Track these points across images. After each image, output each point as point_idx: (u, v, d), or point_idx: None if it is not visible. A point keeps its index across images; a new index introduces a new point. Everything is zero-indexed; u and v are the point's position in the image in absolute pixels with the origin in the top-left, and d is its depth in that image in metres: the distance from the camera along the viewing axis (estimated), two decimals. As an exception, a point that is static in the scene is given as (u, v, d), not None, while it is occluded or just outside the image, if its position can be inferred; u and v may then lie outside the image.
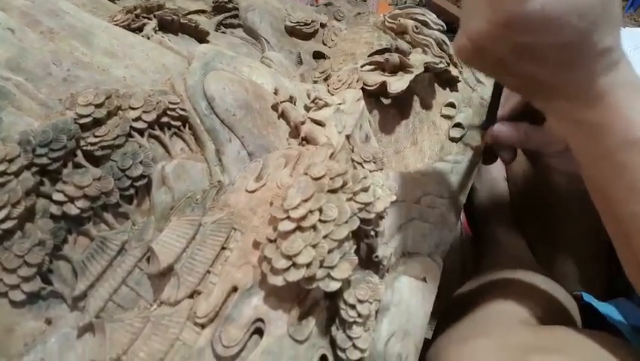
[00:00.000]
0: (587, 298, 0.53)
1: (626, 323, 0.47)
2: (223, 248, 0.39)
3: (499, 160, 0.86)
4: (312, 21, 0.73)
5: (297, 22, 0.70)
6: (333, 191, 0.39)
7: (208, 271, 0.38)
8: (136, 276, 0.37)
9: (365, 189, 0.40)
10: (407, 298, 0.44)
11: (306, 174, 0.40)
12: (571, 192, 0.67)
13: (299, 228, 0.36)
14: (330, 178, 0.40)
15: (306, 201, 0.37)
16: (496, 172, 0.86)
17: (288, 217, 0.36)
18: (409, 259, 0.48)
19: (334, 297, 0.37)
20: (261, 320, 0.35)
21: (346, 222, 0.37)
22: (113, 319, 0.34)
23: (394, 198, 0.43)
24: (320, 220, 0.37)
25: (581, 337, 0.43)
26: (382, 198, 0.41)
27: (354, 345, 0.36)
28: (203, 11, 0.70)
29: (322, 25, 0.76)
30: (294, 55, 0.68)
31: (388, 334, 0.41)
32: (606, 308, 0.50)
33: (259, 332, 0.35)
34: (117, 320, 0.34)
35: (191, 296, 0.36)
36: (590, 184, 0.41)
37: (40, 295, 0.35)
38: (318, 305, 0.37)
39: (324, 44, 0.73)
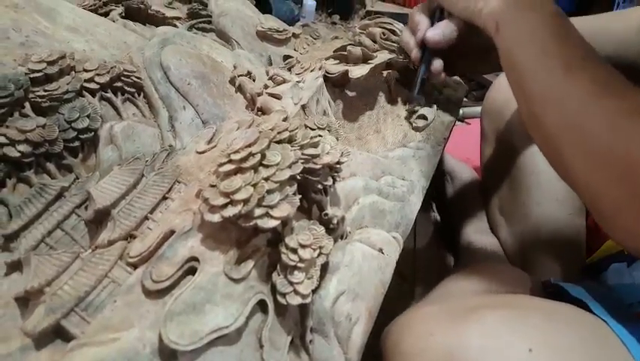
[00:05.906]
0: (555, 280, 0.51)
1: (597, 303, 0.45)
2: (165, 198, 0.38)
3: (470, 168, 0.85)
4: (285, 30, 0.75)
5: (269, 28, 0.72)
6: (278, 142, 0.39)
7: (147, 218, 0.37)
8: (72, 221, 0.36)
9: (314, 145, 0.40)
10: (359, 261, 0.42)
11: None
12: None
13: (239, 170, 0.36)
14: (278, 132, 0.40)
15: (249, 146, 0.37)
16: (467, 175, 0.86)
17: (230, 160, 0.36)
18: (366, 232, 0.47)
19: (276, 245, 0.36)
20: (195, 259, 0.34)
21: (289, 167, 0.36)
22: (41, 253, 0.33)
23: (346, 159, 0.42)
24: (262, 165, 0.36)
25: (538, 300, 0.41)
26: (332, 154, 0.40)
27: (295, 290, 0.34)
28: (178, 18, 0.72)
29: (295, 36, 0.78)
30: (264, 58, 0.70)
31: (337, 292, 0.39)
32: (575, 290, 0.48)
33: (194, 273, 0.34)
34: (45, 253, 0.33)
35: (125, 239, 0.35)
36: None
37: (-32, 233, 0.34)
38: (259, 251, 0.36)
39: (295, 50, 0.75)
